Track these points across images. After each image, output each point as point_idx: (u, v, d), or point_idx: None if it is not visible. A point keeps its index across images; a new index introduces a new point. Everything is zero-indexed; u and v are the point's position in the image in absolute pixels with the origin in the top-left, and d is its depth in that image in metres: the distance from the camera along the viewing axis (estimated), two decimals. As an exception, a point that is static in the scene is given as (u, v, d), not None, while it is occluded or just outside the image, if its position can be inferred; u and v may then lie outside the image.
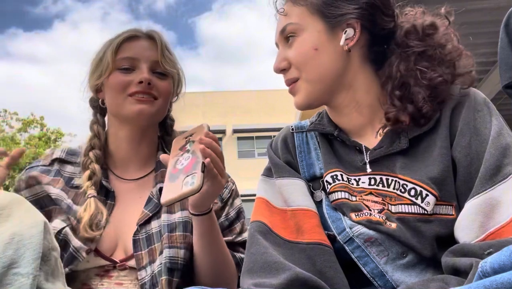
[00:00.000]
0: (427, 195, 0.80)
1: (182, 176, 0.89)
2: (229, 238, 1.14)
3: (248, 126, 19.15)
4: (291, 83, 0.91)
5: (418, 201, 0.81)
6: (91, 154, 1.13)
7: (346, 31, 0.86)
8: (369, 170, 0.87)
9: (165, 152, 1.18)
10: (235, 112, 19.26)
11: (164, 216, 1.08)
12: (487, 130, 0.80)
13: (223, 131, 19.50)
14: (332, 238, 0.86)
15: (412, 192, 0.82)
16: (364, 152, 0.89)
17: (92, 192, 1.07)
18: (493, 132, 0.79)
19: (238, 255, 1.14)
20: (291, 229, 0.87)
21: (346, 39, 0.86)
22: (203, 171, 0.87)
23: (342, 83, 0.89)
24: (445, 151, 0.82)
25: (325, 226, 0.88)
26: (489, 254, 0.67)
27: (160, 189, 1.08)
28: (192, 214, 1.00)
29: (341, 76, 0.89)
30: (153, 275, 1.02)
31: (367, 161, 0.88)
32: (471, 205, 0.76)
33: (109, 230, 1.06)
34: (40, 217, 0.75)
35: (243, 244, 1.15)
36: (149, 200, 1.11)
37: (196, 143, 0.93)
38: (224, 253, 1.07)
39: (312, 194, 0.93)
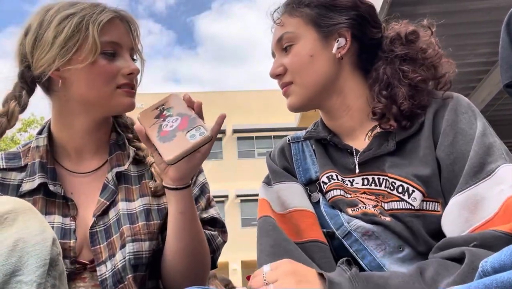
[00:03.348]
0: (413, 191, 0.85)
1: (180, 133, 0.85)
2: None
3: (248, 126, 19.16)
4: (285, 86, 0.98)
5: (405, 197, 0.85)
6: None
7: (338, 40, 0.94)
8: (357, 171, 0.93)
9: (118, 133, 1.10)
10: (235, 112, 19.25)
11: (122, 204, 1.00)
12: (472, 131, 0.84)
13: (223, 131, 19.49)
14: (331, 235, 0.91)
15: (400, 189, 0.86)
16: (355, 154, 0.94)
17: None
18: (478, 133, 0.83)
19: (207, 232, 1.05)
20: (290, 232, 0.92)
21: (338, 48, 0.94)
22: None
23: (333, 88, 0.96)
24: (428, 151, 0.86)
25: (324, 224, 0.93)
26: (474, 246, 0.72)
27: (117, 174, 1.03)
28: (172, 189, 0.91)
29: (332, 82, 0.96)
30: (115, 270, 0.94)
31: (356, 163, 0.93)
32: (456, 201, 0.79)
33: (79, 231, 0.99)
34: (46, 224, 0.73)
35: (210, 221, 1.09)
36: (105, 186, 1.02)
37: (177, 108, 0.90)
38: (201, 232, 0.99)
39: (309, 197, 0.98)
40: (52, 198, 1.01)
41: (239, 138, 19.62)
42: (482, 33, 3.58)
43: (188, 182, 0.92)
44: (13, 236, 0.68)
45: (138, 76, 1.06)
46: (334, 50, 0.94)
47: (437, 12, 3.28)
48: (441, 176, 0.84)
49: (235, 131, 19.32)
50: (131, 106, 1.03)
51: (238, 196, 18.29)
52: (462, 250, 0.71)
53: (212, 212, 1.10)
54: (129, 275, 0.94)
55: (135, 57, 1.06)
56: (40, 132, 1.08)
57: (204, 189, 1.11)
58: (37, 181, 1.00)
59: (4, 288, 0.65)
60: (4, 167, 1.03)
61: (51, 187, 1.00)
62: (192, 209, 0.95)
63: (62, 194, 1.01)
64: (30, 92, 1.03)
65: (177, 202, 0.93)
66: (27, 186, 1.00)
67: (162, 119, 0.90)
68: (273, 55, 1.01)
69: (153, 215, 1.02)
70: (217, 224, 1.10)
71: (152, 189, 1.03)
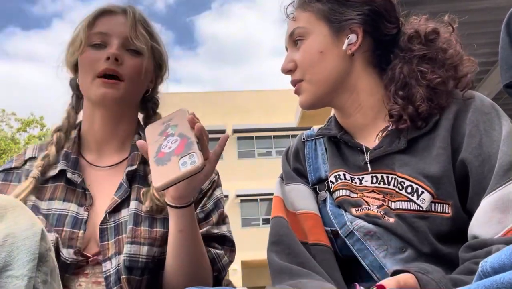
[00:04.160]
0: (422, 192, 0.83)
1: (174, 157, 0.82)
2: (204, 229, 1.04)
3: (248, 126, 19.13)
4: (295, 84, 0.97)
5: (414, 198, 0.84)
6: (54, 136, 1.10)
7: (349, 36, 0.92)
8: (369, 169, 0.91)
9: (140, 136, 1.11)
10: (235, 112, 19.23)
11: (133, 203, 1.01)
12: (496, 132, 0.82)
13: (223, 131, 19.48)
14: (335, 234, 0.91)
15: (409, 189, 0.85)
16: (365, 151, 0.92)
17: (35, 172, 1.03)
18: (504, 133, 0.82)
19: (213, 250, 1.03)
20: (298, 231, 0.94)
21: (349, 44, 0.92)
22: (200, 150, 0.82)
23: (345, 85, 0.94)
24: (442, 151, 0.84)
25: (328, 222, 0.93)
26: None
27: (128, 173, 1.05)
28: (172, 206, 0.91)
29: (344, 79, 0.94)
30: (118, 268, 0.95)
31: (367, 160, 0.91)
32: (487, 202, 0.77)
33: (89, 223, 1.01)
34: (36, 219, 0.74)
35: (219, 238, 1.06)
36: (120, 185, 1.04)
37: (180, 127, 0.88)
38: (201, 251, 0.98)
39: (317, 195, 0.99)
40: (72, 187, 1.05)
41: (239, 138, 19.59)
42: (482, 33, 3.57)
43: (189, 201, 0.90)
44: (3, 232, 0.68)
45: (139, 64, 1.06)
46: (344, 47, 0.92)
47: (436, 12, 3.27)
48: (470, 178, 0.82)
49: (235, 131, 19.31)
50: (105, 96, 1.02)
51: (238, 196, 18.28)
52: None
53: (224, 229, 1.08)
54: (123, 276, 0.94)
55: (135, 47, 1.06)
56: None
57: (218, 204, 1.10)
58: (58, 168, 1.05)
59: None
60: (36, 156, 1.10)
61: (68, 174, 1.04)
62: (192, 228, 0.94)
63: (79, 182, 1.04)
64: (78, 94, 1.15)
65: (177, 220, 0.92)
66: (50, 173, 1.06)
67: (164, 137, 0.88)
68: (287, 49, 1.01)
69: (157, 222, 1.01)
70: (226, 242, 1.08)
71: (148, 209, 1.02)
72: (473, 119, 0.84)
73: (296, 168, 1.04)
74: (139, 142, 0.89)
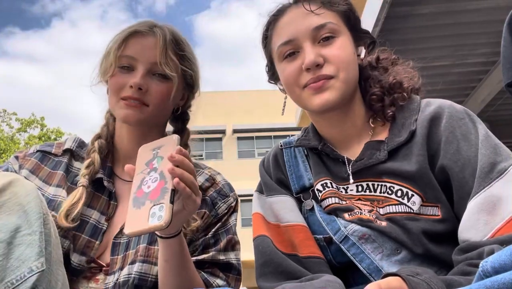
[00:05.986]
0: (412, 195, 0.85)
1: (148, 203, 0.80)
2: (210, 254, 1.04)
3: (248, 126, 19.13)
4: (323, 79, 0.90)
5: (405, 201, 0.85)
6: (96, 143, 1.10)
7: (362, 48, 0.99)
8: (351, 181, 0.93)
9: None
10: (235, 112, 19.23)
11: None
12: (473, 136, 0.84)
13: (223, 131, 19.48)
14: (328, 241, 0.91)
15: (399, 193, 0.86)
16: (347, 163, 0.94)
17: (83, 180, 1.03)
18: (480, 136, 0.83)
19: (216, 282, 1.02)
20: (286, 243, 0.93)
21: (360, 55, 0.99)
22: (172, 202, 0.78)
23: (354, 91, 0.97)
24: (421, 158, 0.86)
25: (320, 230, 0.93)
26: None
27: None
28: (158, 236, 0.90)
29: (356, 84, 0.98)
30: (117, 283, 0.94)
31: (349, 172, 0.93)
32: (472, 205, 0.78)
33: (107, 233, 1.03)
34: (31, 185, 0.80)
35: (225, 266, 1.06)
36: None
37: (164, 162, 0.83)
38: (190, 281, 0.95)
39: (301, 204, 0.98)
40: (99, 193, 1.06)
41: (239, 138, 19.59)
42: (482, 33, 3.57)
43: (175, 232, 0.88)
44: (12, 200, 0.77)
45: (162, 91, 1.05)
46: (362, 55, 0.98)
47: (437, 12, 3.27)
48: (452, 184, 0.83)
49: (235, 131, 19.30)
50: (127, 118, 1.03)
51: (238, 196, 18.26)
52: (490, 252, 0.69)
53: (231, 256, 1.08)
54: None
55: (163, 72, 1.04)
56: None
57: (229, 230, 1.10)
58: (97, 175, 1.06)
59: (12, 242, 0.74)
60: (74, 149, 1.13)
61: (105, 183, 1.06)
62: (178, 260, 0.91)
63: (111, 190, 1.06)
64: None
65: (163, 250, 0.91)
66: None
67: (149, 170, 0.85)
68: (289, 42, 0.93)
69: None
70: (232, 270, 1.07)
71: None
72: (448, 126, 0.86)
73: (279, 178, 1.02)
74: (127, 167, 0.86)
